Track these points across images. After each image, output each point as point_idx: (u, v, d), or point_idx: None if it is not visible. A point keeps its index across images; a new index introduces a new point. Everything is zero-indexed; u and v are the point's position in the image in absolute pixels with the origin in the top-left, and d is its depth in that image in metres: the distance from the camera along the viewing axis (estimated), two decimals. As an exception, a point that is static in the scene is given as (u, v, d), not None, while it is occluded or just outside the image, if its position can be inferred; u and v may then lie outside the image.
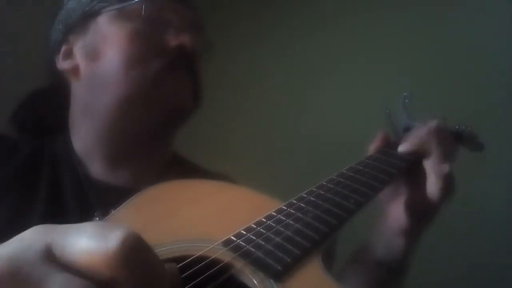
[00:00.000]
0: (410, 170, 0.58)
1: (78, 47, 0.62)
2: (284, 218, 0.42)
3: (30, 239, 0.23)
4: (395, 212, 0.61)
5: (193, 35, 0.62)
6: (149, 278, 0.24)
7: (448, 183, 0.56)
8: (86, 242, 0.23)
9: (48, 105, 0.69)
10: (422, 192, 0.58)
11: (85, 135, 0.63)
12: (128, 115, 0.60)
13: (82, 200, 0.58)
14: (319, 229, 0.42)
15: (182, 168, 0.69)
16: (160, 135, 0.64)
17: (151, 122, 0.61)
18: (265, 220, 0.42)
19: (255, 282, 0.35)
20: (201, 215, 0.44)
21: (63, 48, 0.64)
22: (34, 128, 0.70)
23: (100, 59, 0.60)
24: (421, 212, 0.59)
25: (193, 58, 0.62)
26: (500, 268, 1.30)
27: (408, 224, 0.59)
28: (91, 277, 0.22)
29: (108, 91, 0.59)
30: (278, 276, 0.36)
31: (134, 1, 0.59)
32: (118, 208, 0.43)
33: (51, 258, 0.23)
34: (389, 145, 0.62)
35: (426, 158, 0.58)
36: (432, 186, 0.56)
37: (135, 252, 0.23)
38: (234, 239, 0.39)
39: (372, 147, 0.62)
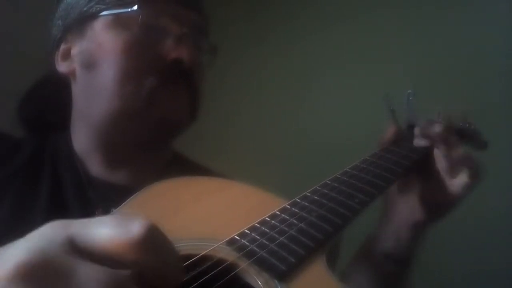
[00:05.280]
0: (421, 164, 0.59)
1: (75, 51, 0.61)
2: (288, 217, 0.42)
3: (50, 233, 0.24)
4: (407, 205, 0.62)
5: (193, 46, 0.60)
6: (169, 262, 0.26)
7: (474, 174, 0.57)
8: (108, 231, 0.24)
9: (51, 100, 0.69)
10: (439, 185, 0.59)
11: (82, 137, 0.63)
12: (121, 128, 0.59)
13: (83, 198, 0.57)
14: (323, 229, 0.41)
15: (182, 166, 0.69)
16: (155, 145, 0.64)
17: (144, 135, 0.60)
18: (269, 219, 0.42)
19: (259, 283, 0.35)
20: (205, 214, 0.43)
21: (62, 46, 0.63)
22: (38, 124, 0.69)
23: (95, 69, 0.59)
24: (438, 206, 0.60)
25: (190, 71, 0.60)
26: (500, 268, 1.30)
27: (423, 217, 0.60)
28: (115, 266, 0.23)
29: (101, 104, 0.58)
30: (283, 276, 0.35)
31: (131, 9, 0.58)
32: (120, 206, 0.42)
33: (76, 249, 0.23)
34: (394, 143, 0.62)
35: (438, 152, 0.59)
36: (457, 179, 0.58)
37: (157, 238, 0.25)
38: (238, 238, 0.38)
39: (382, 142, 0.62)
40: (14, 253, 0.21)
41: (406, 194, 0.62)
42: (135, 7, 0.58)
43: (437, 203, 0.60)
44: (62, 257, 0.22)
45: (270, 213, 0.43)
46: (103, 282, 0.22)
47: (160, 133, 0.61)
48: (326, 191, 0.47)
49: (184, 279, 0.32)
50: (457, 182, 0.58)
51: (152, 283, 0.24)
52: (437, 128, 0.60)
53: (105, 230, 0.24)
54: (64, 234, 0.23)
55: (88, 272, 0.22)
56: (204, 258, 0.35)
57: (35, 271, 0.21)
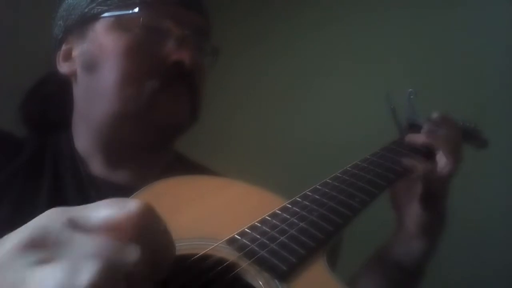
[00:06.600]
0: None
1: (77, 52, 0.61)
2: (288, 216, 0.42)
3: (50, 215, 0.25)
4: (410, 214, 0.62)
5: (194, 48, 0.60)
6: (164, 241, 0.27)
7: (455, 153, 0.59)
8: (106, 211, 0.25)
9: (53, 98, 0.68)
10: (431, 180, 0.59)
11: (83, 137, 0.63)
12: (121, 130, 0.59)
13: (84, 198, 0.57)
14: (324, 228, 0.41)
15: (183, 166, 0.69)
16: (156, 146, 0.64)
17: (145, 137, 0.60)
18: (269, 218, 0.42)
19: (260, 282, 0.34)
20: (205, 213, 0.43)
21: (64, 47, 0.63)
22: (39, 123, 0.69)
23: (96, 71, 0.58)
24: (431, 199, 0.60)
25: (191, 73, 0.60)
26: (500, 268, 1.29)
27: (424, 221, 0.61)
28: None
29: (102, 106, 0.58)
30: (283, 276, 0.35)
31: (132, 11, 0.58)
32: None
33: (75, 225, 0.24)
34: (395, 142, 0.62)
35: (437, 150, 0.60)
36: (440, 162, 0.58)
37: (152, 216, 0.26)
38: (239, 237, 0.38)
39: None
40: (18, 231, 0.24)
41: (410, 200, 0.62)
42: (137, 9, 0.57)
43: (433, 195, 0.60)
44: (61, 230, 0.24)
45: (271, 212, 0.43)
46: (101, 249, 0.23)
47: (161, 135, 0.61)
48: (326, 190, 0.47)
49: (184, 278, 0.32)
50: (442, 159, 0.59)
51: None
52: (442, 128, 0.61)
53: (102, 211, 0.25)
54: (63, 216, 0.25)
55: (87, 241, 0.23)
56: (205, 257, 0.35)
57: (35, 243, 0.23)
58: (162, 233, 0.27)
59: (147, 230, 0.25)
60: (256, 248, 0.37)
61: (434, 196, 0.60)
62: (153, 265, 0.25)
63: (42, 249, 0.23)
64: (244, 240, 0.38)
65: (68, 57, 0.63)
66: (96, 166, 0.62)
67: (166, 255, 0.27)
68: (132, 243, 0.24)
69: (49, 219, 0.25)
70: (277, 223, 0.41)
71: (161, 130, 0.60)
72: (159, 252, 0.26)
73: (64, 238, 0.23)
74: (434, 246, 0.62)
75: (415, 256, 0.61)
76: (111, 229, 0.24)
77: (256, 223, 0.41)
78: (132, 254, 0.23)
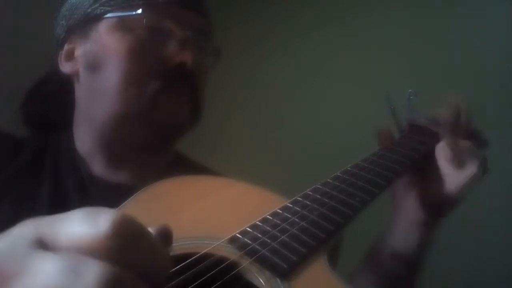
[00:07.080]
0: (420, 164, 0.59)
1: (79, 52, 0.62)
2: (289, 216, 0.42)
3: (18, 232, 0.23)
4: (410, 204, 0.61)
5: (196, 49, 0.60)
6: (145, 259, 0.23)
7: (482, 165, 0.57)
8: (77, 228, 0.23)
9: (54, 98, 0.69)
10: (440, 184, 0.58)
11: (84, 137, 0.63)
12: (123, 130, 0.60)
13: (84, 198, 0.57)
14: (324, 227, 0.41)
15: (184, 166, 0.69)
16: (157, 146, 0.64)
17: (147, 138, 0.61)
18: (270, 217, 0.42)
19: (261, 281, 0.34)
20: (206, 212, 0.43)
21: (66, 46, 0.63)
22: (40, 123, 0.69)
23: (98, 72, 0.59)
24: (438, 204, 0.60)
25: (193, 75, 0.60)
26: (500, 268, 1.30)
27: (425, 216, 0.60)
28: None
29: (104, 106, 0.59)
30: (284, 274, 0.35)
31: (135, 12, 0.58)
32: (122, 205, 0.42)
33: (43, 246, 0.22)
34: (393, 142, 0.62)
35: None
36: (465, 170, 0.57)
37: (126, 233, 0.23)
38: (240, 236, 0.38)
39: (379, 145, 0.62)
40: None
41: (410, 194, 0.62)
42: (140, 11, 0.58)
43: (440, 200, 0.59)
44: (26, 253, 0.22)
45: (271, 212, 0.43)
46: (67, 273, 0.20)
47: (162, 136, 0.61)
48: (327, 189, 0.47)
49: (184, 277, 0.32)
50: (465, 173, 0.57)
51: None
52: (447, 115, 0.61)
53: (73, 227, 0.23)
54: (31, 233, 0.23)
55: (48, 269, 0.21)
56: (205, 256, 0.35)
57: None
58: (145, 248, 0.23)
59: (121, 248, 0.22)
60: (257, 247, 0.37)
61: (441, 206, 0.60)
62: (143, 278, 0.23)
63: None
64: (245, 239, 0.38)
65: (70, 56, 0.63)
66: (97, 166, 0.62)
67: (154, 269, 0.24)
68: (95, 268, 0.21)
69: (15, 239, 0.23)
70: (278, 222, 0.41)
71: (162, 131, 0.60)
72: (146, 268, 0.23)
73: (26, 264, 0.21)
74: (433, 233, 0.61)
75: (413, 248, 0.60)
76: (80, 250, 0.22)
77: (257, 222, 0.41)
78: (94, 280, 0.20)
